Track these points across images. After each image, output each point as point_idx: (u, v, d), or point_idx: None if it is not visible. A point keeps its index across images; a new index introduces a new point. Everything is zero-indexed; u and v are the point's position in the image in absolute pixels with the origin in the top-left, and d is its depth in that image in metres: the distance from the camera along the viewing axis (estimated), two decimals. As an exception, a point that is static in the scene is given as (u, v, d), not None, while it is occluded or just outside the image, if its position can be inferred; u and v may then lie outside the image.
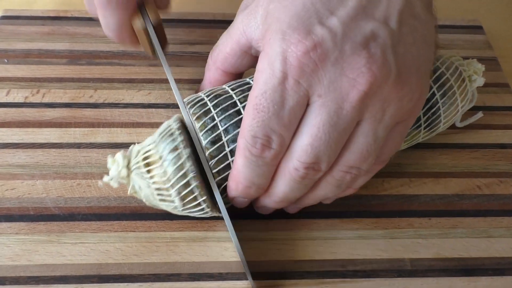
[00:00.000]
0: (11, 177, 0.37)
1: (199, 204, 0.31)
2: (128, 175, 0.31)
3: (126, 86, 0.43)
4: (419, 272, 0.34)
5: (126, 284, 0.32)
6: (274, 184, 0.31)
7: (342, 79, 0.27)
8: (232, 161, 0.31)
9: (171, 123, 0.32)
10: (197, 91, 0.37)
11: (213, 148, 0.31)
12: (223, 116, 0.31)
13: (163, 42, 0.39)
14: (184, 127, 0.32)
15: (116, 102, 0.42)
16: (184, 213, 0.32)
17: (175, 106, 0.41)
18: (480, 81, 0.39)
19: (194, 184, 0.30)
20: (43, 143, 0.39)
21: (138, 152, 0.31)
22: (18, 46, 0.46)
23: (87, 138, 0.39)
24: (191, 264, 0.33)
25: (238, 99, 0.31)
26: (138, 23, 0.37)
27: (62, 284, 0.32)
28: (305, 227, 0.35)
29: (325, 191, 0.31)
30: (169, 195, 0.31)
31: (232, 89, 0.32)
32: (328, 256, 0.34)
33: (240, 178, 0.30)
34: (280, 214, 0.35)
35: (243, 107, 0.31)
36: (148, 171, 0.31)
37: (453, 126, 0.41)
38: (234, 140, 0.31)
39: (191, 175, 0.30)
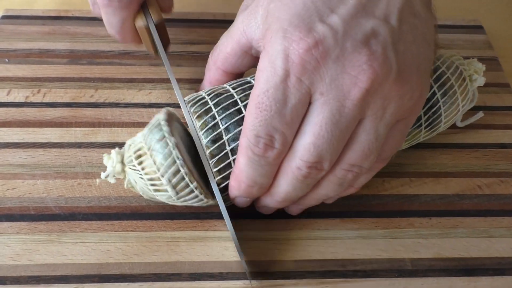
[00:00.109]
0: (12, 176, 0.37)
1: (192, 191, 0.31)
2: (123, 170, 0.32)
3: (127, 85, 0.43)
4: (420, 272, 0.34)
5: (126, 283, 0.32)
6: (276, 184, 0.31)
7: (344, 76, 0.27)
8: (233, 160, 0.31)
9: (159, 116, 0.32)
10: (197, 91, 0.37)
11: (214, 146, 0.31)
12: (224, 115, 0.31)
13: (165, 41, 0.39)
14: (172, 119, 0.32)
15: (117, 101, 0.42)
16: (182, 202, 0.32)
17: (176, 105, 0.41)
18: (480, 80, 0.39)
19: (182, 170, 0.30)
20: (44, 142, 0.39)
21: (130, 146, 0.32)
22: (19, 46, 0.46)
23: (88, 137, 0.39)
24: (192, 263, 0.33)
25: (239, 98, 0.31)
26: (140, 22, 0.37)
27: (62, 283, 0.32)
28: (306, 227, 0.35)
29: (327, 190, 0.31)
30: (162, 184, 0.31)
31: (233, 88, 0.32)
32: (328, 256, 0.34)
33: (242, 178, 0.30)
34: (280, 213, 0.35)
35: (244, 106, 0.31)
36: (140, 163, 0.31)
37: (453, 126, 0.41)
38: (235, 138, 0.31)
39: (178, 161, 0.30)
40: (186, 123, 0.34)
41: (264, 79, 0.28)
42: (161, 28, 0.37)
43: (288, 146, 0.29)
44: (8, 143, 0.39)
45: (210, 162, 0.31)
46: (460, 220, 0.36)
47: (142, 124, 0.40)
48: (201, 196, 0.32)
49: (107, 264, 0.33)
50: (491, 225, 0.36)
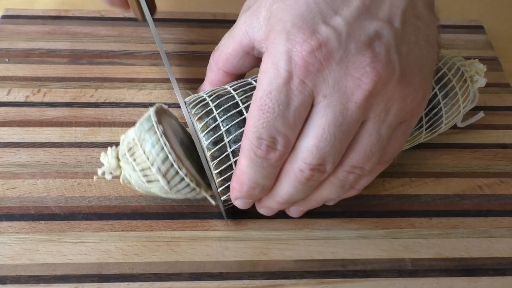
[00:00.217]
0: (12, 176, 0.37)
1: (182, 179, 0.31)
2: (119, 166, 0.32)
3: (127, 85, 0.43)
4: (420, 272, 0.34)
5: (126, 283, 0.32)
6: (278, 185, 0.31)
7: (347, 78, 0.27)
8: (234, 162, 0.31)
9: (150, 109, 0.33)
10: (197, 92, 0.37)
11: (215, 148, 0.31)
12: (225, 117, 0.31)
13: (152, 7, 0.40)
14: (163, 113, 0.33)
15: (117, 101, 0.42)
16: (176, 193, 0.32)
17: (176, 105, 0.41)
18: (482, 81, 0.39)
19: (170, 156, 0.31)
20: (44, 142, 0.39)
21: (123, 141, 0.33)
22: (19, 46, 0.46)
23: (88, 137, 0.39)
24: (192, 263, 0.33)
25: (240, 100, 0.31)
26: None
27: (62, 283, 0.32)
28: (306, 227, 0.35)
29: (329, 192, 0.31)
30: (153, 174, 0.31)
31: (234, 90, 0.32)
32: (328, 256, 0.34)
33: (244, 179, 0.30)
34: (281, 213, 0.35)
35: (245, 108, 0.31)
36: (131, 155, 0.32)
37: (454, 126, 0.41)
38: (236, 140, 0.31)
39: (166, 148, 0.31)
40: (185, 123, 0.34)
41: (267, 81, 0.28)
42: None
43: (290, 148, 0.29)
44: (8, 142, 0.39)
45: (211, 164, 0.31)
46: (460, 220, 0.36)
47: (142, 124, 0.40)
48: (192, 184, 0.32)
49: (107, 263, 0.33)
50: (491, 225, 0.36)
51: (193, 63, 0.46)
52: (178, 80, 0.43)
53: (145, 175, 0.31)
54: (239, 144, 0.30)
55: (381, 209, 0.37)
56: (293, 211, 0.34)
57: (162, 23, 0.49)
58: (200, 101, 0.32)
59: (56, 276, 0.32)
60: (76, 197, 0.36)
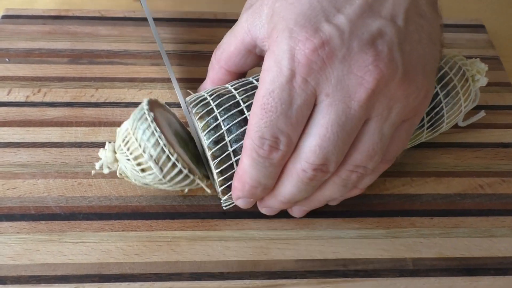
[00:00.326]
0: (13, 176, 0.37)
1: (174, 165, 0.31)
2: (116, 159, 0.33)
3: (127, 85, 0.43)
4: (421, 271, 0.34)
5: (127, 283, 0.32)
6: (280, 185, 0.31)
7: (350, 77, 0.27)
8: (235, 161, 0.31)
9: (143, 100, 0.33)
10: (198, 91, 0.37)
11: (216, 148, 0.31)
12: (226, 116, 0.31)
13: None
14: (157, 105, 0.33)
15: (118, 101, 0.42)
16: (170, 182, 0.32)
17: (177, 105, 0.41)
18: (483, 81, 0.39)
19: (161, 142, 0.31)
20: (44, 142, 0.39)
21: (119, 133, 0.33)
22: (19, 45, 0.46)
23: (88, 137, 0.39)
24: (192, 263, 0.33)
25: (241, 99, 0.31)
26: None
27: (63, 283, 0.32)
28: (307, 226, 0.35)
29: (332, 192, 0.31)
30: (146, 161, 0.31)
31: (235, 89, 0.32)
32: (329, 256, 0.34)
33: (246, 179, 0.30)
34: (281, 213, 0.35)
35: (246, 107, 0.31)
36: (125, 144, 0.32)
37: (455, 125, 0.41)
38: (237, 140, 0.31)
39: (156, 134, 0.31)
40: (186, 122, 0.34)
41: (270, 79, 0.28)
42: None
43: (293, 148, 0.29)
44: (8, 142, 0.39)
45: (213, 163, 0.31)
46: (461, 219, 0.36)
47: (142, 124, 0.40)
48: (185, 171, 0.32)
49: (108, 263, 0.33)
50: (493, 224, 0.36)
51: (193, 62, 0.46)
52: (179, 80, 0.43)
53: (138, 164, 0.32)
54: (240, 143, 0.30)
55: (382, 208, 0.37)
56: (296, 211, 0.34)
57: (162, 23, 0.49)
58: (201, 100, 0.32)
59: (56, 276, 0.32)
60: (77, 197, 0.36)
